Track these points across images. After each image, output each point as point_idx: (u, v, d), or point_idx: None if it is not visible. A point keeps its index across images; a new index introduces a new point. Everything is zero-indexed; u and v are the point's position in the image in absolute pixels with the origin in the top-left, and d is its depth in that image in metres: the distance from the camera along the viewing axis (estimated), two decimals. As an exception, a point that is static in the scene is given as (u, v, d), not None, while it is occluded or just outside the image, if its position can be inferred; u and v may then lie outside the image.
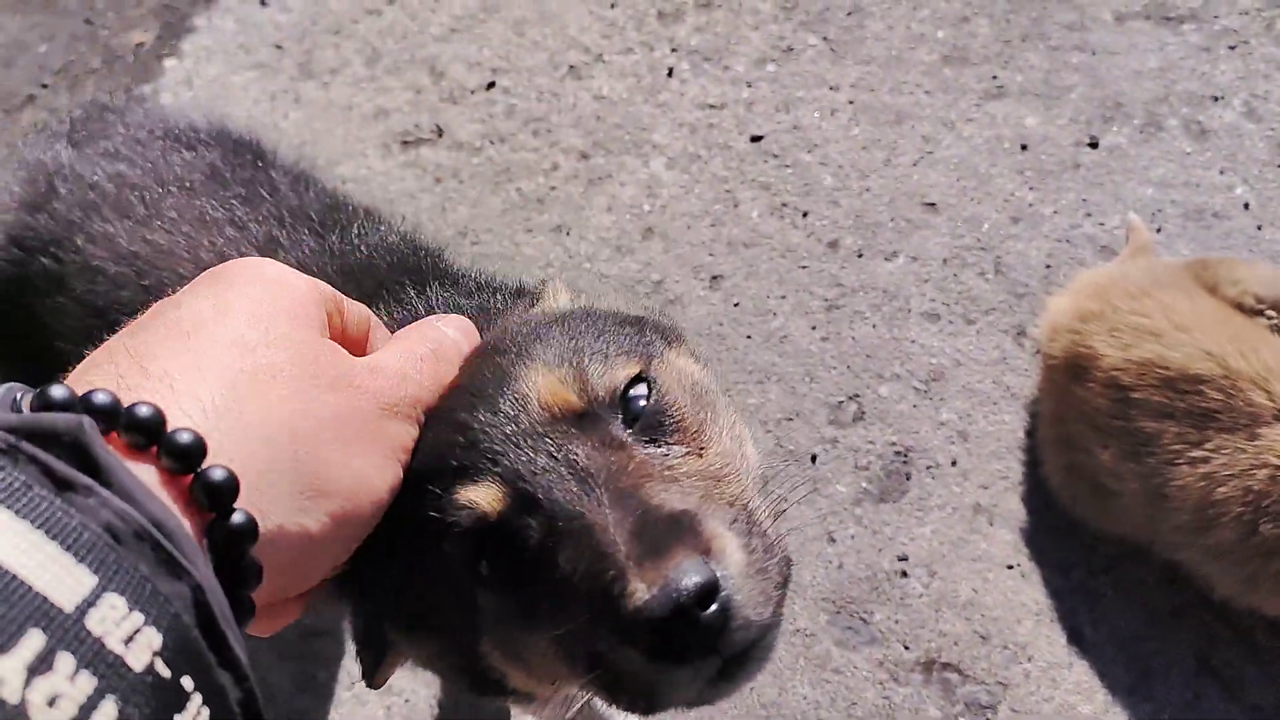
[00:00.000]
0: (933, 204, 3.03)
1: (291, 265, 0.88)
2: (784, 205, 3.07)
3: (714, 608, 0.79)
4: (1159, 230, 2.88)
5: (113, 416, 0.65)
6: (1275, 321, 2.24)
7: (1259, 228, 2.86)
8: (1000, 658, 2.31)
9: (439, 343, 0.98)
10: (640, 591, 0.78)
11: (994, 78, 3.26)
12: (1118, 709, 2.23)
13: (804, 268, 2.94)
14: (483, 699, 1.48)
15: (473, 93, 3.39)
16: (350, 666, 2.39)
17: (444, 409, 0.95)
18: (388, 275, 1.44)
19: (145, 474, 0.65)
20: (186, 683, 0.57)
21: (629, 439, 0.94)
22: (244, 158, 1.87)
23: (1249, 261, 2.47)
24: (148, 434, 0.66)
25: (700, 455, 0.97)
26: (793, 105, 3.28)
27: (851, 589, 2.42)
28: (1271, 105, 3.09)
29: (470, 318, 1.11)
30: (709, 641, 0.80)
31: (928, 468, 2.57)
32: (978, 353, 2.74)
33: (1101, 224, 2.92)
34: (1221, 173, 2.98)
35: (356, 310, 0.96)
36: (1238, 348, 2.08)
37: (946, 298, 2.85)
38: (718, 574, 0.80)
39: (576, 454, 0.89)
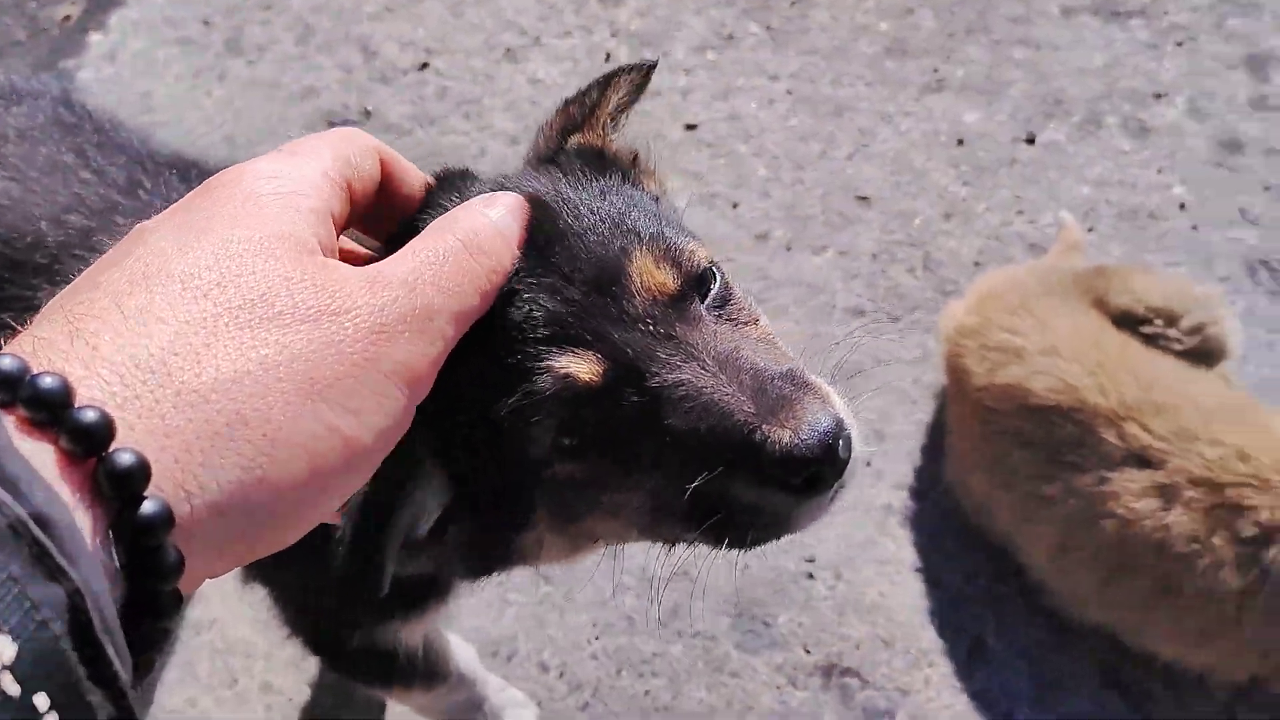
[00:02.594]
0: (866, 198, 2.96)
1: (156, 209, 0.79)
2: (714, 195, 3.00)
3: (843, 442, 0.93)
4: (1091, 230, 2.82)
5: (16, 387, 0.57)
6: (1159, 331, 2.18)
7: (1194, 228, 2.80)
8: (902, 663, 2.26)
9: (475, 231, 0.86)
10: (786, 436, 0.90)
11: (935, 71, 3.19)
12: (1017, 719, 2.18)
13: (730, 260, 2.87)
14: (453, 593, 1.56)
15: (405, 73, 3.31)
16: (232, 663, 2.33)
17: (519, 283, 0.96)
18: None
19: (44, 456, 0.57)
20: (40, 700, 0.49)
21: (708, 314, 1.02)
22: (82, 113, 1.82)
23: (1148, 270, 2.40)
24: (50, 409, 0.57)
25: (757, 325, 1.09)
26: (731, 94, 3.21)
27: (756, 591, 2.36)
28: (1216, 104, 3.02)
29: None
30: (840, 473, 0.94)
31: (842, 467, 2.51)
32: (900, 351, 2.68)
33: (1033, 222, 2.86)
34: (1159, 172, 2.92)
35: (410, 174, 0.93)
36: (1099, 380, 2.02)
37: (873, 294, 2.79)
38: (843, 418, 0.95)
39: (675, 329, 0.97)
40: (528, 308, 0.96)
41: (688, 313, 1.00)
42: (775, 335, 1.12)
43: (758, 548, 1.04)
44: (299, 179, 0.78)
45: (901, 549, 2.39)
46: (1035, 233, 2.84)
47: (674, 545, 1.10)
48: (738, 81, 3.23)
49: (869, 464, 2.51)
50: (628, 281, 0.98)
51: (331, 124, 3.21)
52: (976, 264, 2.79)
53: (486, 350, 0.94)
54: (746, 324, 1.08)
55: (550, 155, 1.20)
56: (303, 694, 2.29)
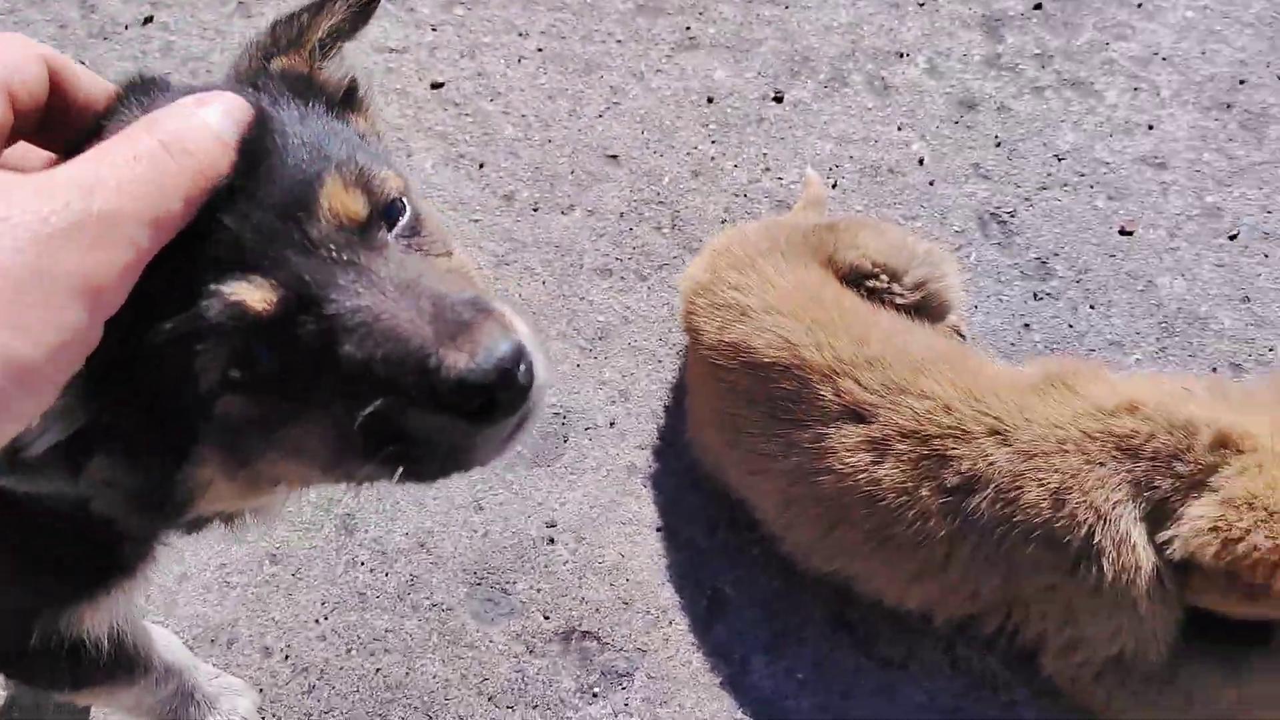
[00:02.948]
0: (615, 156, 2.92)
1: None
2: (461, 156, 2.91)
3: (523, 369, 0.91)
4: (834, 186, 2.85)
5: None
6: (883, 286, 2.20)
7: (931, 183, 2.86)
8: (641, 623, 2.23)
9: (181, 132, 0.77)
10: (462, 361, 0.88)
11: (687, 29, 3.16)
12: (753, 668, 2.18)
13: (476, 221, 2.79)
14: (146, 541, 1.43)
15: (127, 28, 3.09)
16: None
17: (230, 189, 0.89)
18: None
19: None
20: None
21: (393, 242, 1.00)
22: None
23: (876, 225, 2.42)
24: None
25: (450, 256, 1.07)
26: (479, 51, 3.11)
27: (495, 558, 2.30)
28: (953, 62, 3.09)
29: None
30: (518, 401, 0.92)
31: (586, 429, 2.47)
32: (647, 309, 2.65)
33: (780, 179, 2.87)
34: (900, 129, 2.96)
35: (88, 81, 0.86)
36: (815, 337, 2.03)
37: (621, 253, 2.75)
38: (524, 343, 0.92)
39: (359, 256, 0.94)
40: (205, 226, 0.88)
41: (374, 241, 0.97)
42: (471, 268, 1.10)
43: (440, 480, 1.01)
44: None
45: (644, 508, 2.36)
46: (781, 190, 2.85)
47: (362, 484, 1.05)
48: (486, 39, 3.13)
49: (612, 424, 2.47)
50: (315, 207, 0.95)
51: (45, 82, 2.98)
52: (723, 221, 2.79)
53: (153, 267, 0.83)
54: (438, 255, 1.06)
55: (251, 77, 1.12)
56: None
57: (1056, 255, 2.71)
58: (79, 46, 3.03)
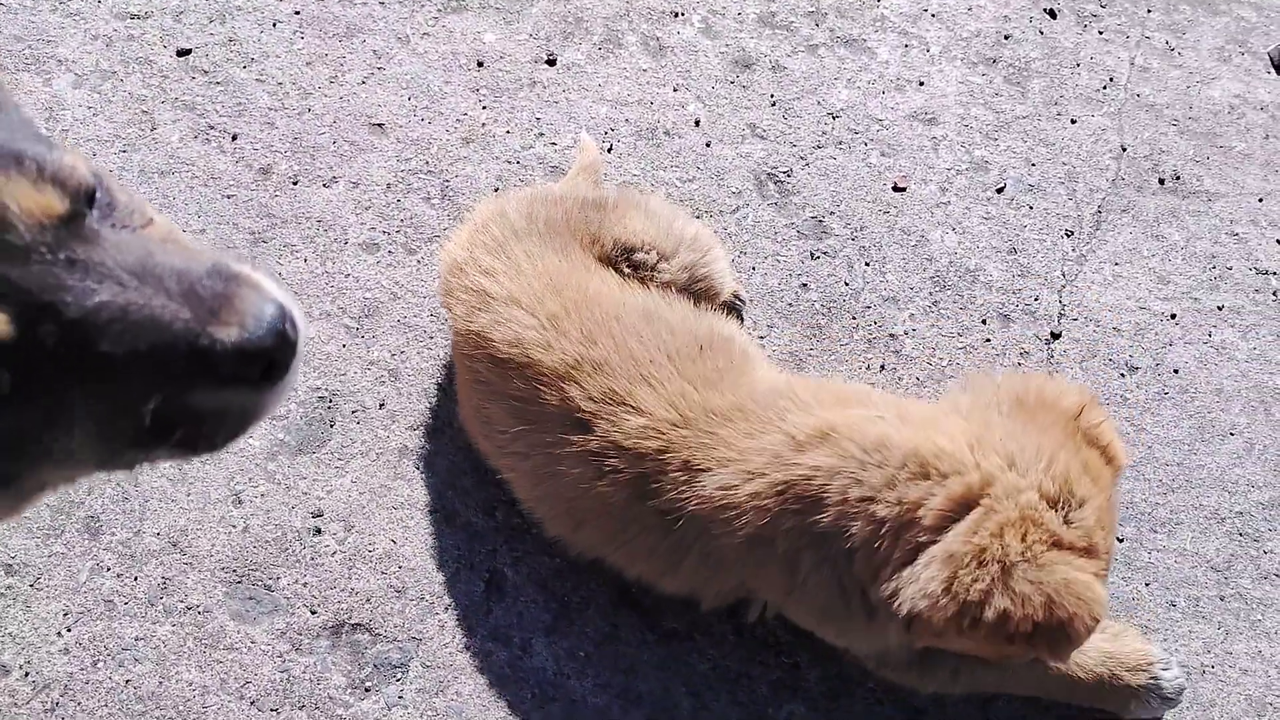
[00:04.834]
0: (380, 125, 2.78)
1: None
2: (211, 128, 2.72)
3: (290, 326, 0.94)
4: (611, 149, 2.78)
5: None
6: (651, 261, 2.12)
7: (708, 144, 2.81)
8: (415, 611, 2.13)
9: None
10: (233, 334, 0.90)
11: (455, -10, 3.04)
12: (534, 650, 2.10)
13: (229, 197, 2.62)
14: None
15: None
16: None
17: None
18: None
19: None
20: None
21: (100, 226, 0.96)
22: None
23: (645, 206, 2.28)
24: None
25: (154, 224, 1.04)
26: (229, 15, 2.92)
27: (256, 554, 2.16)
28: (728, 21, 3.05)
29: None
30: (293, 353, 0.95)
31: (353, 412, 2.34)
32: (416, 284, 2.53)
33: (554, 144, 2.78)
34: (675, 90, 2.91)
35: None
36: (546, 336, 1.90)
37: (388, 226, 2.62)
38: (279, 298, 0.95)
39: (76, 251, 0.91)
40: None
41: (83, 231, 0.94)
42: (177, 231, 1.08)
43: (231, 442, 1.03)
44: None
45: (416, 491, 2.26)
46: (555, 155, 2.76)
47: (135, 468, 1.07)
48: (237, 2, 2.94)
49: (382, 405, 2.35)
50: (7, 214, 0.90)
51: None
52: (495, 190, 2.68)
53: None
54: (144, 227, 1.04)
55: None
56: None
57: (832, 214, 2.70)
58: None
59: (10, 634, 2.03)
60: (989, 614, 1.55)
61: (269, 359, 0.93)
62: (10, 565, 2.07)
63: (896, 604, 1.61)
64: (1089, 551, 1.57)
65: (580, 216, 2.15)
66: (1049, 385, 1.77)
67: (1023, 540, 1.56)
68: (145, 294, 0.91)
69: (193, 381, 0.92)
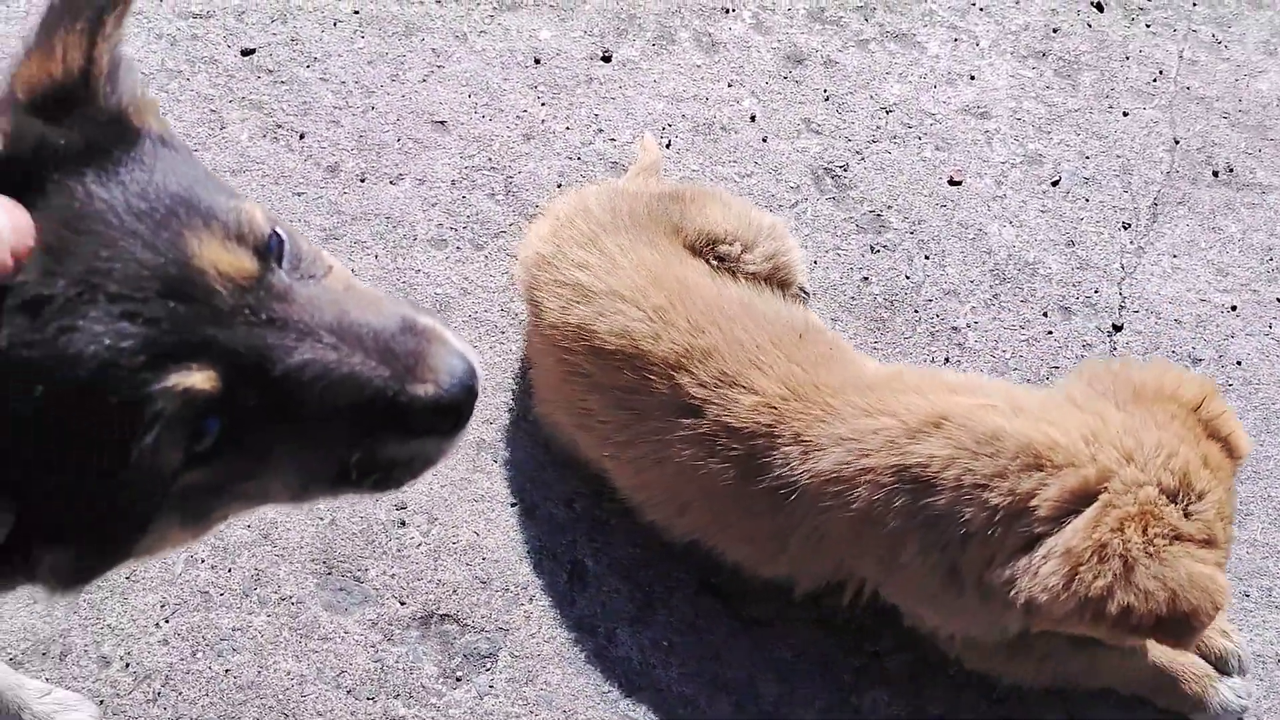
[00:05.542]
0: (442, 122, 2.82)
1: None
2: (279, 126, 2.76)
3: (477, 380, 1.01)
4: (669, 145, 2.82)
5: None
6: (735, 253, 2.17)
7: (764, 140, 2.85)
8: (501, 602, 2.18)
9: None
10: (430, 390, 0.96)
11: (509, -13, 3.08)
12: (619, 639, 2.15)
13: (299, 195, 2.66)
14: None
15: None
16: None
17: (81, 322, 0.88)
18: None
19: None
20: None
21: (291, 280, 0.99)
22: None
23: (720, 196, 2.36)
24: None
25: (333, 271, 1.07)
26: (290, 15, 2.95)
27: (344, 546, 2.20)
28: (778, 17, 3.09)
29: None
30: (473, 408, 1.01)
31: (431, 406, 2.38)
32: (485, 279, 2.57)
33: (613, 140, 2.82)
34: (730, 85, 2.95)
35: None
36: (654, 327, 1.96)
37: (455, 222, 2.66)
38: (464, 352, 1.02)
39: (274, 311, 0.94)
40: (110, 343, 0.88)
41: (275, 288, 0.97)
42: (351, 276, 1.10)
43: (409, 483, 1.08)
44: None
45: (496, 484, 2.30)
46: (615, 151, 2.80)
47: (309, 503, 1.18)
48: (297, 2, 2.98)
49: (458, 399, 2.39)
50: (205, 278, 0.92)
51: None
52: (558, 185, 2.72)
53: (81, 397, 0.88)
54: (325, 276, 1.06)
55: (32, 117, 0.97)
56: None
57: (890, 208, 2.74)
58: None
59: (109, 625, 2.08)
60: (1112, 608, 1.60)
61: (459, 411, 0.99)
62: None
63: (1013, 592, 1.66)
64: (1209, 543, 1.62)
65: (660, 209, 2.20)
66: (1168, 376, 1.81)
67: (1144, 534, 1.61)
68: (344, 353, 0.95)
69: (390, 434, 0.98)
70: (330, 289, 1.04)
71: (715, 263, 2.15)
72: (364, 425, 0.97)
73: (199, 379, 0.90)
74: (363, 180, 2.70)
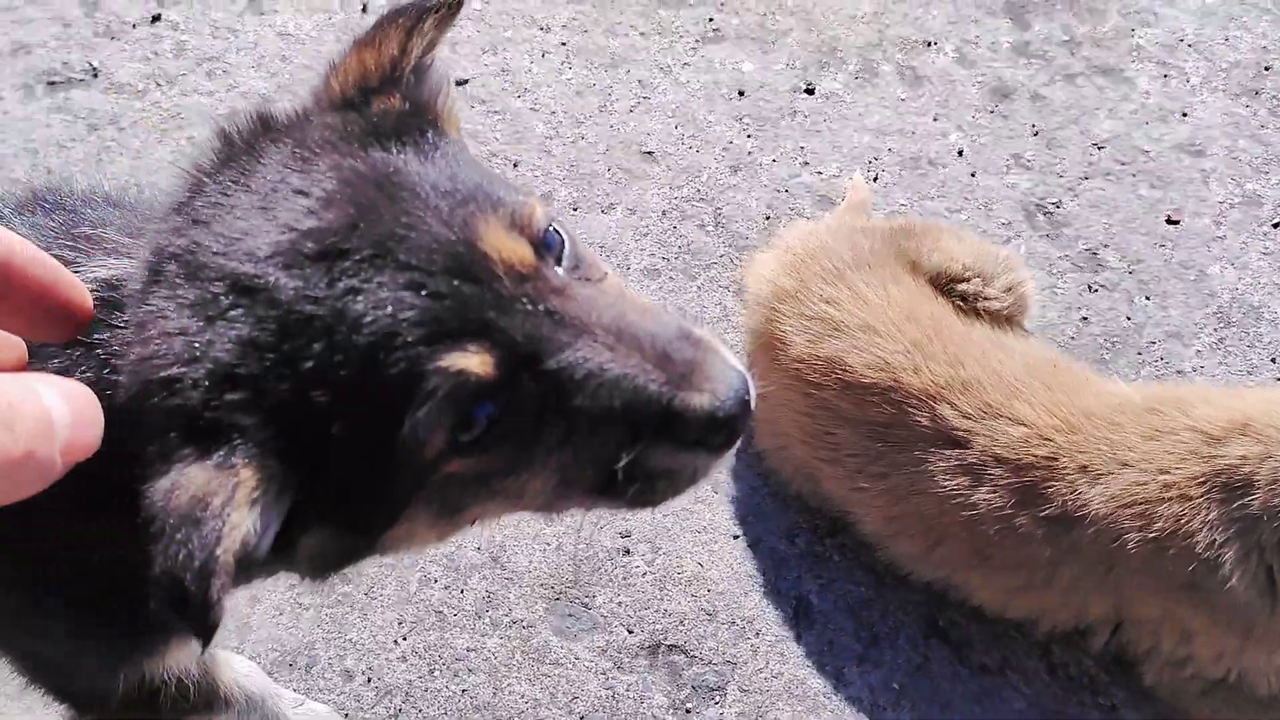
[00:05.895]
0: (650, 152, 2.85)
1: None
2: (493, 155, 2.82)
3: (752, 395, 0.97)
4: (875, 179, 2.81)
5: None
6: (977, 290, 2.16)
7: (973, 175, 2.83)
8: (728, 634, 2.18)
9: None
10: (705, 400, 0.92)
11: (710, 20, 3.11)
12: (848, 679, 2.14)
13: (515, 222, 2.71)
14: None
15: (134, 27, 2.96)
16: None
17: (366, 286, 0.88)
18: None
19: None
20: None
21: (568, 278, 0.98)
22: None
23: (953, 230, 2.37)
24: None
25: (606, 279, 1.04)
26: (500, 47, 3.02)
27: (571, 572, 2.23)
28: (982, 50, 3.07)
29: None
30: (746, 426, 0.97)
31: (650, 435, 2.40)
32: (698, 309, 2.59)
33: (820, 173, 2.82)
34: (935, 119, 2.93)
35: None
36: (913, 360, 1.97)
37: (666, 252, 2.68)
38: (741, 368, 0.98)
39: (552, 303, 0.92)
40: (393, 311, 0.88)
41: (554, 283, 0.95)
42: (623, 284, 1.07)
43: (663, 502, 1.04)
44: None
45: (718, 516, 2.31)
46: (822, 184, 2.80)
47: (559, 514, 1.08)
48: (507, 33, 3.05)
49: (677, 429, 2.41)
50: (488, 261, 0.92)
51: (52, 85, 2.83)
52: (766, 218, 2.73)
53: (357, 360, 0.87)
54: (601, 280, 1.04)
55: (348, 105, 1.05)
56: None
57: (1106, 246, 2.69)
58: (86, 47, 2.90)
59: (351, 640, 2.13)
60: None
61: (733, 427, 0.95)
62: (345, 574, 2.17)
63: None
64: None
65: (895, 244, 2.20)
66: None
67: None
68: (621, 353, 0.93)
69: (658, 442, 0.95)
70: (607, 292, 1.02)
71: (959, 302, 2.14)
72: (634, 430, 0.94)
73: (475, 362, 0.88)
74: (575, 209, 2.74)
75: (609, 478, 0.98)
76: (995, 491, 1.88)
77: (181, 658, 1.51)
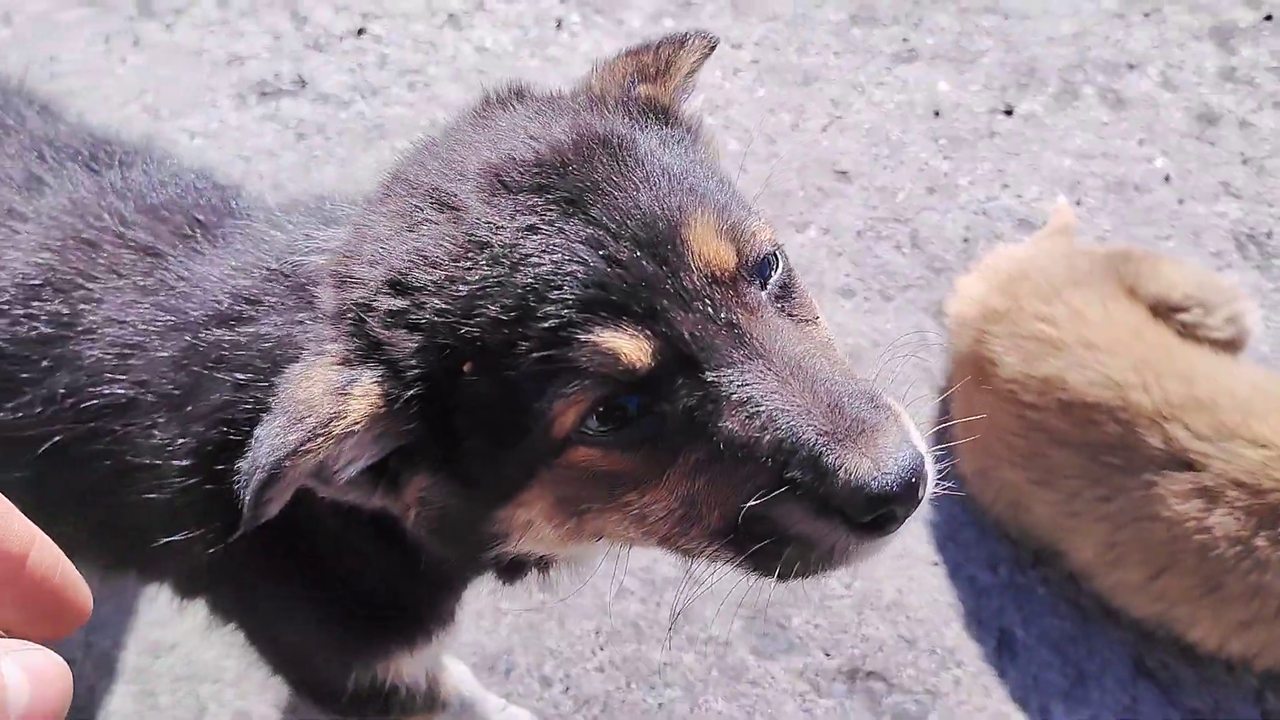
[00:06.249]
0: (844, 172, 2.83)
1: (63, 206, 0.64)
2: (685, 170, 2.83)
3: (923, 485, 0.84)
4: (1078, 203, 2.73)
5: None
6: (1198, 320, 2.09)
7: (1180, 201, 2.73)
8: (928, 664, 2.13)
9: None
10: (864, 466, 0.80)
11: (904, 40, 3.07)
12: (1055, 716, 2.07)
13: (708, 238, 2.71)
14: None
15: (340, 39, 3.05)
16: (199, 690, 2.08)
17: (543, 224, 0.86)
18: (197, 211, 1.26)
19: None
20: None
21: (768, 304, 0.92)
22: None
23: (1171, 258, 2.30)
24: None
25: (816, 324, 0.98)
26: (693, 63, 3.03)
27: (767, 591, 2.20)
28: (1186, 75, 2.97)
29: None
30: (911, 513, 0.84)
31: (845, 456, 2.37)
32: (896, 331, 2.55)
33: (1019, 196, 2.76)
34: (1140, 143, 2.84)
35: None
36: (1143, 377, 1.90)
37: (862, 272, 2.65)
38: (923, 452, 0.85)
39: (737, 317, 0.86)
40: (560, 259, 0.84)
41: (748, 299, 0.90)
42: (835, 343, 1.00)
43: (792, 581, 0.93)
44: None
45: (916, 543, 2.26)
46: (1022, 207, 2.74)
47: (689, 558, 0.99)
48: (701, 50, 3.05)
49: (874, 452, 2.37)
50: (684, 249, 0.87)
51: (263, 95, 2.94)
52: (965, 240, 2.68)
53: (509, 299, 0.83)
54: (808, 322, 0.98)
55: (614, 95, 1.07)
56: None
57: (1324, 279, 2.58)
58: (296, 58, 3.00)
59: (549, 648, 2.14)
60: None
61: (889, 508, 0.83)
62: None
63: None
64: None
65: (1111, 268, 2.14)
66: None
67: None
68: (792, 389, 0.85)
69: (798, 496, 0.84)
70: (807, 334, 0.94)
71: (1178, 330, 2.07)
72: (777, 475, 0.84)
73: (631, 347, 0.83)
74: (770, 227, 2.72)
75: (731, 524, 0.89)
76: (1231, 515, 1.81)
77: (417, 666, 1.56)
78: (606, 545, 1.06)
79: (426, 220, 0.92)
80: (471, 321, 0.85)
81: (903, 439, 0.85)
